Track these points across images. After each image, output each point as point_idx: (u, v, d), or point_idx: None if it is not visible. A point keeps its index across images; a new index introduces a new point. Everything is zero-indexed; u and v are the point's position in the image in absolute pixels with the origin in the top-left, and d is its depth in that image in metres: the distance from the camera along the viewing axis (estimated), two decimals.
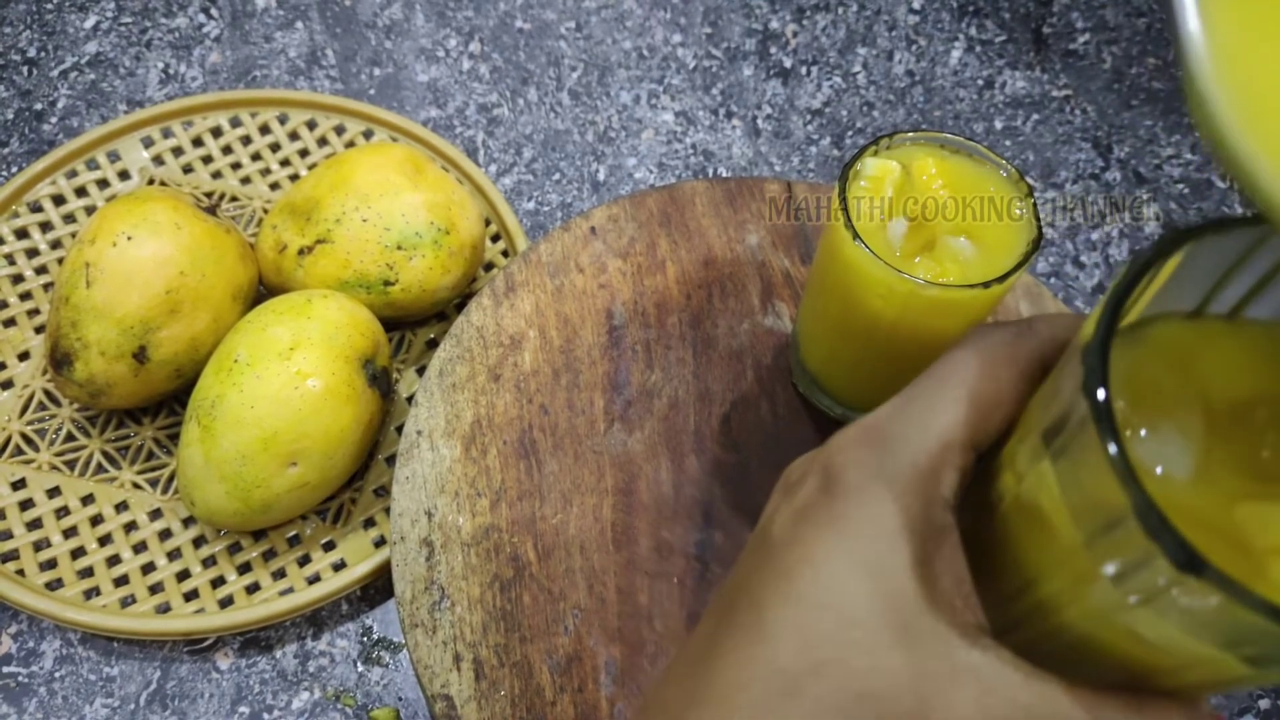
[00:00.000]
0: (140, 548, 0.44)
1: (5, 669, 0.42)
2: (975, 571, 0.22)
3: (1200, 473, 0.19)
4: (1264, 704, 0.44)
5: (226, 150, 0.55)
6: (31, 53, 0.60)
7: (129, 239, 0.41)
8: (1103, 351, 0.17)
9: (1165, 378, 0.20)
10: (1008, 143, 0.60)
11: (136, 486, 0.45)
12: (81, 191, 0.53)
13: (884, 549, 0.21)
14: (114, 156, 0.54)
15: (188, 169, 0.54)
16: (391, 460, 0.46)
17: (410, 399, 0.47)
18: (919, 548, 0.21)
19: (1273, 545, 0.18)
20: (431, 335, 0.50)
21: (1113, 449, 0.16)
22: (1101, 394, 0.17)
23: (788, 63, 0.62)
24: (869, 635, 0.20)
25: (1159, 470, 0.18)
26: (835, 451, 0.23)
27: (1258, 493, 0.19)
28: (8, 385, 0.47)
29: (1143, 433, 0.19)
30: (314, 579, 0.43)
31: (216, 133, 0.55)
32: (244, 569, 0.43)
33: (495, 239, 0.53)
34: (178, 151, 0.54)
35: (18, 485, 0.45)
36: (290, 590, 0.42)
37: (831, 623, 0.20)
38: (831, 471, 0.22)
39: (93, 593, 0.43)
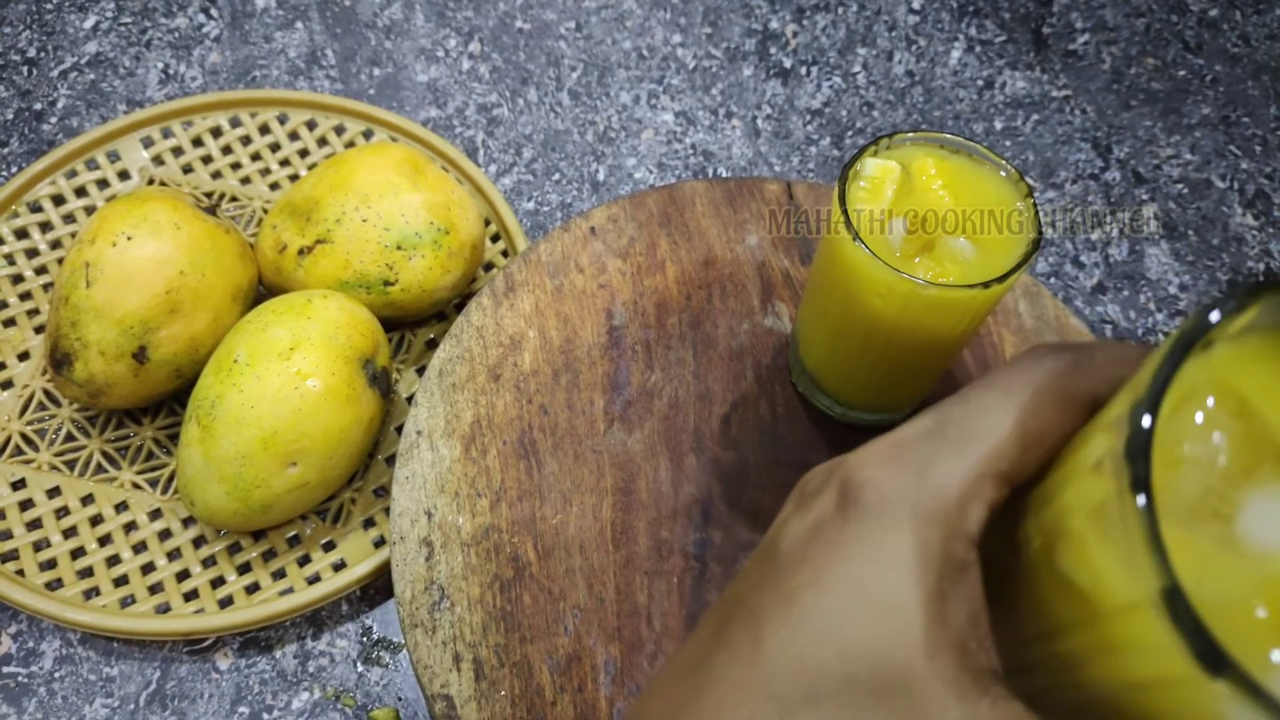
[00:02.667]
0: (140, 548, 0.44)
1: (5, 669, 0.42)
2: (993, 606, 0.21)
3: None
4: None
5: (226, 150, 0.55)
6: (31, 53, 0.60)
7: (129, 239, 0.41)
8: (1147, 435, 0.16)
9: (1247, 421, 0.17)
10: (1008, 143, 0.60)
11: (136, 486, 0.45)
12: (81, 191, 0.53)
13: (896, 581, 0.19)
14: (114, 156, 0.54)
15: (187, 169, 0.54)
16: (391, 460, 0.46)
17: (410, 399, 0.47)
18: (934, 583, 0.19)
19: None
20: (431, 335, 0.50)
21: (1148, 526, 0.15)
22: (1140, 470, 0.15)
23: (788, 63, 0.62)
24: (870, 673, 0.19)
25: (1225, 539, 0.17)
26: (856, 468, 0.21)
27: None
28: (8, 385, 0.47)
29: (1213, 493, 0.17)
30: (314, 579, 0.43)
31: (216, 133, 0.55)
32: (244, 569, 0.43)
33: (495, 239, 0.53)
34: (177, 151, 0.54)
35: (18, 485, 0.45)
36: (290, 590, 0.42)
37: (832, 655, 0.19)
38: (850, 489, 0.21)
39: (92, 593, 0.43)
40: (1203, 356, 0.17)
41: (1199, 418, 0.17)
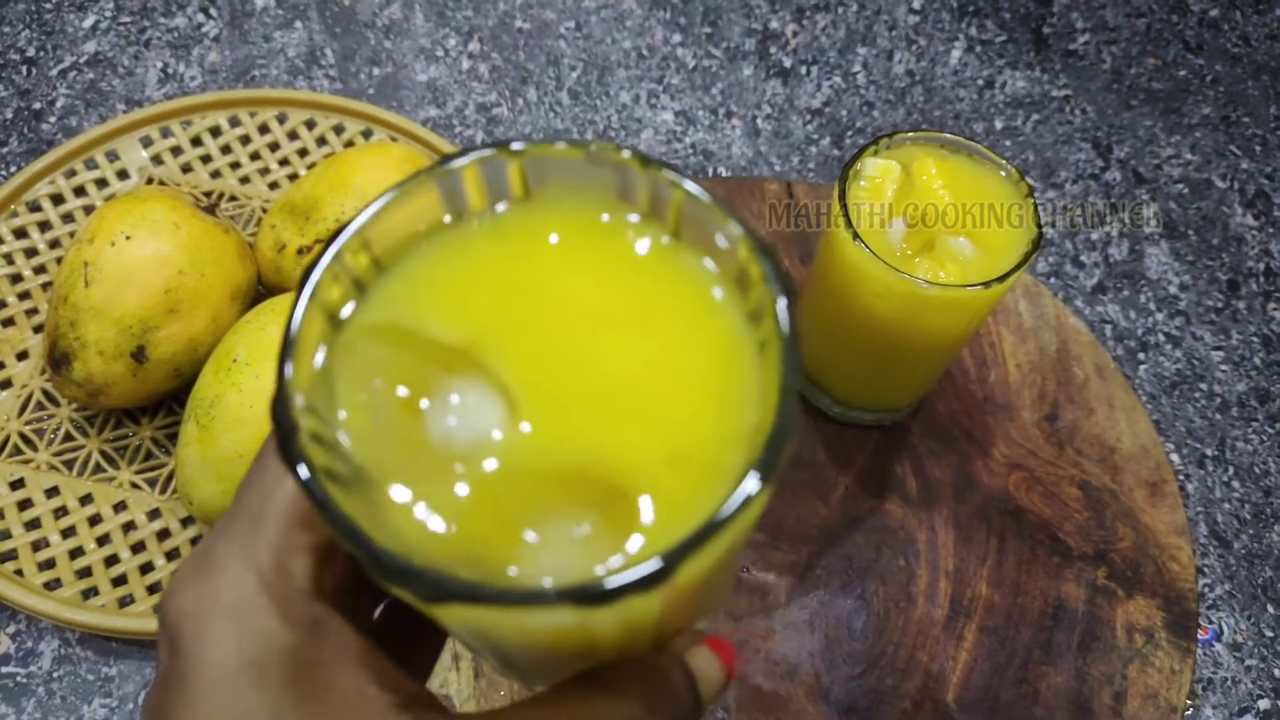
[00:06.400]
0: (138, 547, 0.44)
1: (4, 669, 0.42)
2: None
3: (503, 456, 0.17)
4: (1263, 704, 0.44)
5: (225, 150, 0.55)
6: (30, 52, 0.60)
7: (128, 238, 0.41)
8: (283, 411, 0.16)
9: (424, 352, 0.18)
10: (1008, 143, 0.60)
11: (135, 486, 0.45)
12: (80, 191, 0.53)
13: (243, 691, 0.18)
14: (113, 156, 0.54)
15: (186, 169, 0.54)
16: None
17: None
18: (288, 658, 0.18)
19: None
20: None
21: (337, 519, 0.15)
22: (293, 459, 0.16)
23: (788, 62, 0.62)
24: None
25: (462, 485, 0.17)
26: (166, 603, 0.19)
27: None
28: (6, 385, 0.47)
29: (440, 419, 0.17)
30: None
31: (215, 132, 0.55)
32: None
33: None
34: (176, 151, 0.54)
35: (16, 485, 0.45)
36: None
37: None
38: (169, 628, 0.19)
39: (91, 592, 0.42)
40: (368, 323, 0.19)
41: (365, 367, 0.18)
